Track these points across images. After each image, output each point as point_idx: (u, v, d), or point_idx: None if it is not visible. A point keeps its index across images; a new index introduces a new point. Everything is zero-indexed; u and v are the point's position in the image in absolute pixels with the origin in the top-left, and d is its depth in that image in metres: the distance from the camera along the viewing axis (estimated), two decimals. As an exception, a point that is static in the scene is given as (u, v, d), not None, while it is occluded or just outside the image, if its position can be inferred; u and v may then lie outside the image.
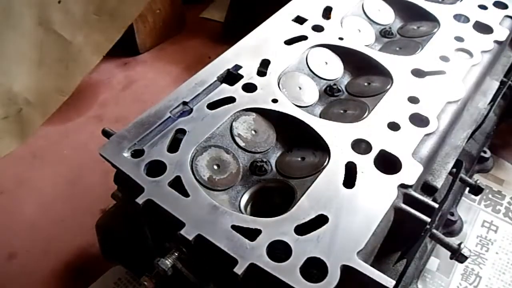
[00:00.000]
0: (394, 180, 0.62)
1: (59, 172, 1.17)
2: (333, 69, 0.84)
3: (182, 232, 0.56)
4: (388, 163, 0.65)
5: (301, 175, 0.66)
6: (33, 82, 1.16)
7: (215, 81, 0.76)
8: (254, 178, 0.68)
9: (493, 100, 0.89)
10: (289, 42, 0.85)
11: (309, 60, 0.84)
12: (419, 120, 0.71)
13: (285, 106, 0.73)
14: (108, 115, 1.34)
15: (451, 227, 0.93)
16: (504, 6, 0.96)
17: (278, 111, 0.72)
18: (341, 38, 0.86)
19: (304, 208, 0.59)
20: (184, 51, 1.55)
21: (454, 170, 0.76)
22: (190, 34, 1.63)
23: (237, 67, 0.78)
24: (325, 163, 0.65)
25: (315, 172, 0.65)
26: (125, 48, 1.44)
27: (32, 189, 1.13)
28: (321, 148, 0.68)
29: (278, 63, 0.80)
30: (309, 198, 0.60)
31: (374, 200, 0.60)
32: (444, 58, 0.82)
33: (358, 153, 0.66)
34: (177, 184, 0.61)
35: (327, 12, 0.92)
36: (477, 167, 1.10)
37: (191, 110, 0.71)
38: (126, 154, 0.65)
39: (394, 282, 0.52)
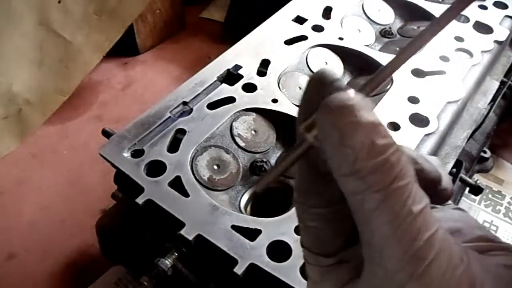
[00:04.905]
0: (394, 180, 0.62)
1: (59, 172, 1.17)
2: (333, 69, 0.84)
3: (182, 232, 0.56)
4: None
5: (301, 175, 0.66)
6: (33, 82, 1.16)
7: (215, 81, 0.76)
8: (254, 178, 0.68)
9: (493, 100, 0.89)
10: (289, 42, 0.85)
11: (309, 60, 0.83)
12: (419, 120, 0.71)
13: (285, 106, 0.73)
14: (108, 115, 1.33)
15: (451, 227, 0.93)
16: (504, 6, 0.96)
17: (278, 111, 0.72)
18: (341, 38, 0.86)
19: (304, 208, 0.59)
20: (184, 51, 1.55)
21: (454, 170, 0.76)
22: (190, 34, 1.62)
23: (237, 67, 0.78)
24: (325, 163, 0.65)
25: (315, 172, 0.65)
26: (125, 48, 1.43)
27: (32, 189, 1.13)
28: (321, 148, 0.68)
29: (278, 63, 0.80)
30: (309, 198, 0.60)
31: (374, 200, 0.60)
32: (444, 58, 0.82)
33: (358, 153, 0.66)
34: (177, 184, 0.61)
35: (327, 12, 0.93)
36: (477, 167, 1.10)
37: (191, 110, 0.71)
38: (126, 154, 0.65)
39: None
